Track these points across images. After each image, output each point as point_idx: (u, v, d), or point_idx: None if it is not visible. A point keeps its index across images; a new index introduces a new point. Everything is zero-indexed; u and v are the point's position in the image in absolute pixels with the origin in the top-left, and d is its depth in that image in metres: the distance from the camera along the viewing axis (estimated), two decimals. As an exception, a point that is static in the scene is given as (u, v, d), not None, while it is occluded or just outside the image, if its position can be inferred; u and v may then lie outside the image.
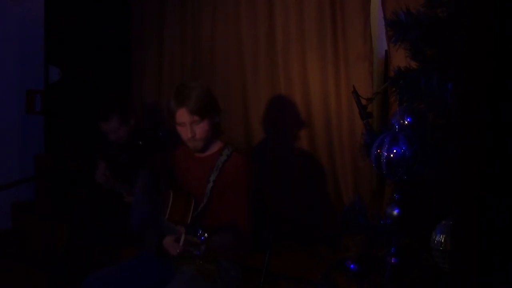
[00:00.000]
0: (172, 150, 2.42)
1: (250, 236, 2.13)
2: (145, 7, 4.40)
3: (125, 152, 3.02)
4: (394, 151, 1.51)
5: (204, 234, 1.77)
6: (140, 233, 2.29)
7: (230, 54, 3.78)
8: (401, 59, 2.14)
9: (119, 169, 2.99)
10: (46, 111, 4.49)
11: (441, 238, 1.38)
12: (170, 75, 4.20)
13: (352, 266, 1.72)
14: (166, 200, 2.19)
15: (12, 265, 3.56)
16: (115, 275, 2.13)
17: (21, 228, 4.29)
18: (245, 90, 3.70)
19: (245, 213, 2.12)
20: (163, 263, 2.18)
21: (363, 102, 2.00)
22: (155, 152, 2.54)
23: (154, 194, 2.34)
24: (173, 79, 4.14)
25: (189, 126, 2.13)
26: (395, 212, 1.58)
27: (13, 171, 4.29)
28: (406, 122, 1.65)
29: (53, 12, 4.41)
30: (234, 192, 2.14)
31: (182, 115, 2.12)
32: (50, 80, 4.43)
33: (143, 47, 4.42)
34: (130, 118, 2.99)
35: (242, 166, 2.18)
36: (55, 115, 4.48)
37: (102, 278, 2.10)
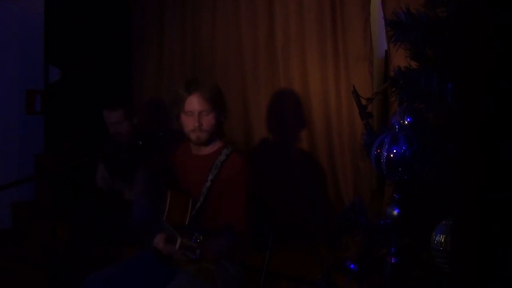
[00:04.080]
0: (172, 150, 2.42)
1: (247, 237, 2.13)
2: (145, 7, 4.40)
3: (125, 151, 3.03)
4: (394, 151, 1.51)
5: (200, 238, 1.77)
6: (141, 229, 2.29)
7: (230, 54, 3.78)
8: (401, 59, 2.14)
9: (119, 168, 3.00)
10: (46, 111, 4.50)
11: (441, 238, 1.38)
12: (170, 75, 4.21)
13: (352, 266, 1.72)
14: (164, 200, 2.19)
15: (12, 265, 3.56)
16: (115, 275, 2.12)
17: (21, 228, 4.30)
18: (245, 90, 3.70)
19: (242, 214, 2.12)
20: (163, 263, 2.18)
21: (363, 102, 2.00)
22: (155, 152, 2.54)
23: (153, 193, 2.34)
24: (173, 79, 4.15)
25: (197, 114, 2.13)
26: (395, 212, 1.58)
27: (13, 171, 4.30)
28: (406, 122, 1.65)
29: (53, 12, 4.41)
30: (232, 192, 2.14)
31: (193, 102, 2.13)
32: (50, 80, 4.43)
33: (143, 47, 4.43)
34: (133, 116, 3.00)
35: (240, 166, 2.18)
36: (55, 115, 4.49)
37: (102, 278, 2.09)
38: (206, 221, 2.16)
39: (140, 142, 2.38)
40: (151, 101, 4.33)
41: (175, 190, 2.23)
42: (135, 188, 2.39)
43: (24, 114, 4.45)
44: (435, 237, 1.40)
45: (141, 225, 2.28)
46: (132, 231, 2.54)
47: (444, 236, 1.38)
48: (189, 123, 2.16)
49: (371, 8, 3.21)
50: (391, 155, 1.51)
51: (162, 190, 2.29)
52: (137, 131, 3.04)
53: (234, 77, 3.76)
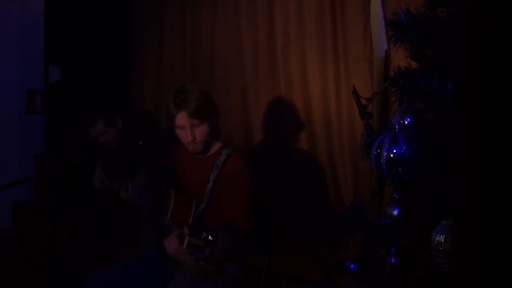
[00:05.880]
0: (172, 150, 2.42)
1: (249, 236, 2.13)
2: (145, 7, 4.40)
3: (124, 151, 3.03)
4: (394, 151, 1.51)
5: (209, 237, 1.75)
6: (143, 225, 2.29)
7: (230, 54, 3.78)
8: (401, 59, 2.14)
9: (118, 168, 2.99)
10: (46, 111, 4.50)
11: (441, 238, 1.38)
12: (170, 75, 4.21)
13: (352, 266, 1.72)
14: (167, 200, 2.18)
15: (12, 265, 3.56)
16: (115, 275, 2.12)
17: (21, 228, 4.30)
18: (245, 90, 3.70)
19: (244, 214, 2.12)
20: (163, 263, 2.18)
21: (363, 102, 2.00)
22: (155, 152, 2.54)
23: (154, 194, 2.34)
24: (173, 79, 4.15)
25: (189, 129, 2.13)
26: (395, 212, 1.58)
27: (13, 171, 4.29)
28: (406, 122, 1.65)
29: (53, 12, 4.42)
30: (234, 192, 2.14)
31: (182, 119, 2.12)
32: (50, 80, 4.43)
33: (143, 47, 4.42)
34: (115, 120, 3.00)
35: (241, 166, 2.18)
36: (55, 115, 4.49)
37: (102, 278, 2.09)
38: (208, 221, 2.16)
39: (140, 142, 2.38)
40: (151, 101, 4.33)
41: (178, 190, 2.23)
42: (136, 189, 2.39)
43: (24, 114, 4.45)
44: (435, 237, 1.40)
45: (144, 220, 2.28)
46: (133, 229, 2.54)
47: (444, 236, 1.38)
48: (183, 137, 2.16)
49: (371, 8, 3.21)
50: (391, 155, 1.51)
51: (163, 190, 2.29)
52: (137, 131, 3.04)
53: (234, 77, 3.76)
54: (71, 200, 3.30)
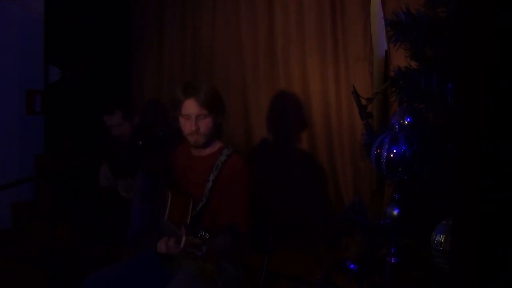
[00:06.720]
0: (172, 149, 2.42)
1: (248, 237, 2.12)
2: (145, 7, 4.40)
3: (125, 151, 3.03)
4: (394, 151, 1.51)
5: (206, 235, 1.76)
6: (138, 239, 2.30)
7: (230, 54, 3.78)
8: (401, 59, 2.14)
9: (119, 167, 3.00)
10: (46, 111, 4.50)
11: (441, 238, 1.38)
12: (170, 75, 4.21)
13: (352, 266, 1.72)
14: (165, 200, 2.18)
15: (12, 265, 3.56)
16: (115, 275, 2.12)
17: (21, 228, 4.30)
18: (245, 90, 3.70)
19: (243, 214, 2.11)
20: (163, 263, 2.18)
21: (363, 102, 2.00)
22: (155, 152, 2.54)
23: (153, 195, 2.34)
24: (173, 79, 4.15)
25: (194, 118, 2.13)
26: (395, 212, 1.58)
27: (13, 171, 4.29)
28: (406, 122, 1.65)
29: (53, 12, 4.42)
30: (233, 192, 2.14)
31: (190, 106, 2.12)
32: (50, 80, 4.44)
33: (143, 47, 4.43)
34: (133, 115, 3.01)
35: (241, 167, 2.18)
36: (55, 115, 4.49)
37: (102, 278, 2.09)
38: (207, 221, 2.16)
39: (140, 142, 2.38)
40: (151, 101, 4.33)
41: (176, 190, 2.23)
42: (134, 190, 2.39)
43: (24, 114, 4.46)
44: (435, 237, 1.40)
45: (139, 234, 2.28)
46: (131, 239, 2.54)
47: (444, 236, 1.38)
48: (186, 127, 2.16)
49: (371, 8, 3.21)
50: (391, 155, 1.51)
51: (162, 191, 2.29)
52: (137, 131, 3.04)
53: (234, 77, 3.76)
54: (71, 200, 3.30)
